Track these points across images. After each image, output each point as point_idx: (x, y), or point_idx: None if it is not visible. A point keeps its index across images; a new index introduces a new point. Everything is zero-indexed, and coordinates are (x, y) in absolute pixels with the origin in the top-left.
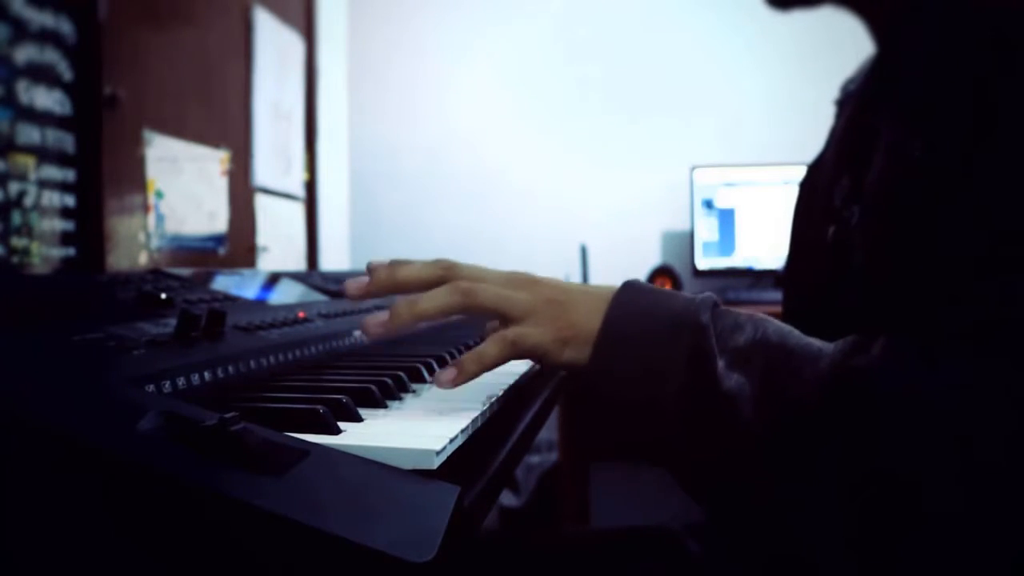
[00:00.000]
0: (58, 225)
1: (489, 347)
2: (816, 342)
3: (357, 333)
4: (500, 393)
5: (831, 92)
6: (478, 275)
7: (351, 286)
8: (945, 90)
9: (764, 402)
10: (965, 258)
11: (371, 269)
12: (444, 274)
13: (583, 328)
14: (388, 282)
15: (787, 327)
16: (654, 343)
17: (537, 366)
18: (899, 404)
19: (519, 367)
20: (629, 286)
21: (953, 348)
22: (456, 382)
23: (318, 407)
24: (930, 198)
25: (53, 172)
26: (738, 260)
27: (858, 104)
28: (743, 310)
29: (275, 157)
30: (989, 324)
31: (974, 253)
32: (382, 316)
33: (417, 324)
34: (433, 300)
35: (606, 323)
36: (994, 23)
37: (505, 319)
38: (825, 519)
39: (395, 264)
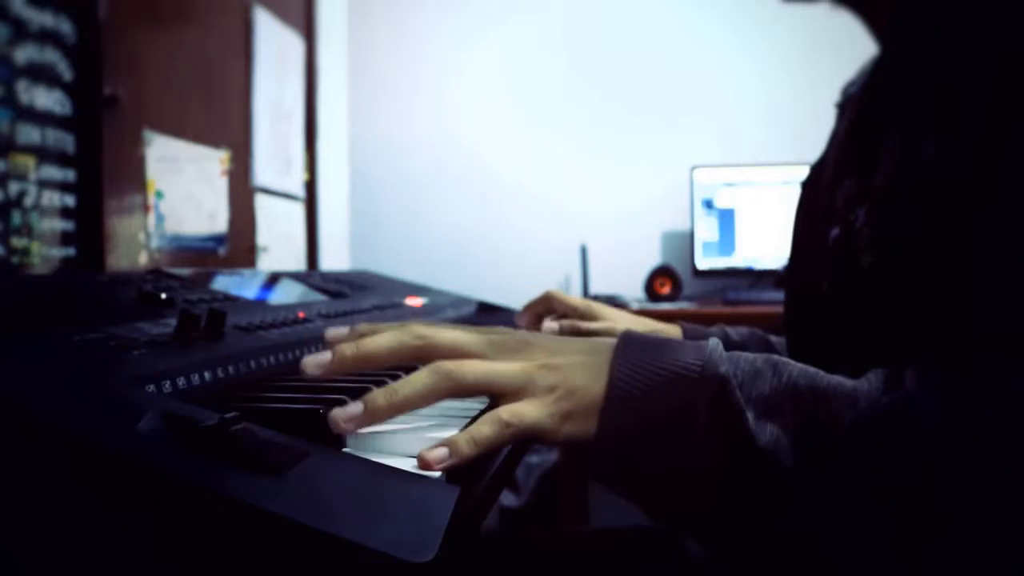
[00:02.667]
0: (58, 225)
1: (483, 428)
2: (847, 382)
3: None
4: None
5: (831, 92)
6: (458, 345)
7: (310, 365)
8: (957, 92)
9: (804, 453)
10: (984, 260)
11: (331, 341)
12: (418, 347)
13: (585, 396)
14: (354, 360)
15: (808, 368)
16: (668, 402)
17: None
18: (947, 429)
19: None
20: (630, 341)
21: (987, 356)
22: (445, 465)
23: (318, 407)
24: (943, 200)
25: (53, 172)
26: (738, 260)
27: (860, 106)
28: (743, 311)
29: (275, 157)
30: (1020, 329)
31: (993, 255)
32: (355, 410)
33: (398, 414)
34: (414, 388)
35: (611, 387)
36: (1005, 26)
37: (497, 396)
38: (881, 555)
39: (360, 336)
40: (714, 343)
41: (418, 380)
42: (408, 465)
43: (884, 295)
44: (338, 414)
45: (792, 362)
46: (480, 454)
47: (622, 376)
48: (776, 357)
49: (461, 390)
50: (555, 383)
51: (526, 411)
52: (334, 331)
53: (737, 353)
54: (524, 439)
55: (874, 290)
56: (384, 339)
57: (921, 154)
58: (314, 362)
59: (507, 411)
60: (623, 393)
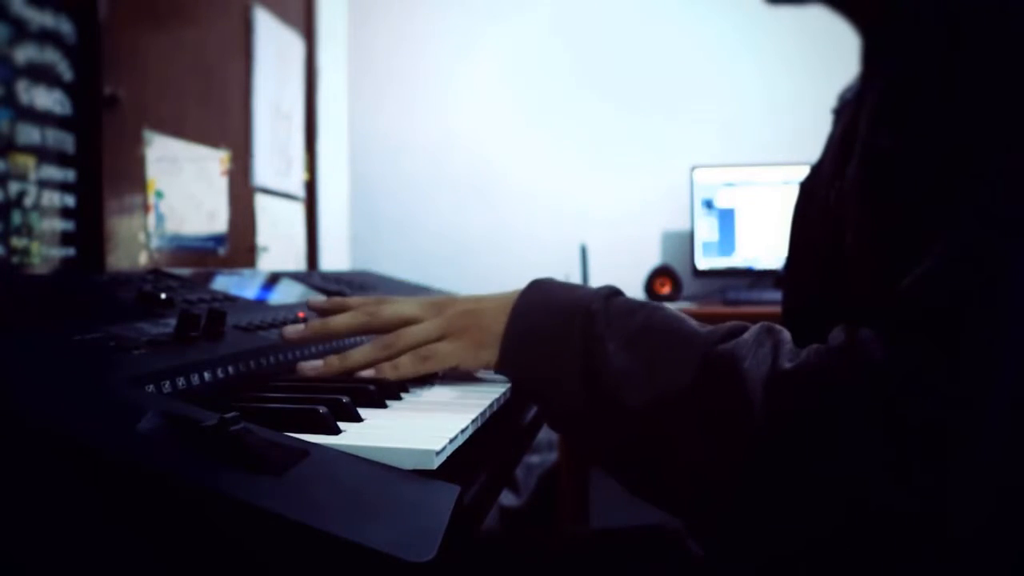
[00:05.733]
0: (58, 225)
1: (404, 360)
2: (701, 329)
3: None
4: (500, 393)
5: (831, 92)
6: (399, 315)
7: (289, 332)
8: (908, 84)
9: (647, 382)
10: (914, 245)
11: (310, 307)
12: (368, 321)
13: (492, 330)
14: (321, 332)
15: (682, 315)
16: (551, 333)
17: None
18: (761, 381)
19: None
20: (534, 284)
21: (838, 330)
22: (374, 376)
23: (318, 407)
24: (893, 187)
25: (53, 172)
26: (738, 260)
27: (853, 111)
28: (743, 311)
29: (275, 157)
30: (892, 309)
31: (919, 241)
32: (317, 364)
33: (346, 373)
34: (361, 355)
35: (510, 320)
36: (955, 19)
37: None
38: (703, 483)
39: (328, 311)
40: (605, 286)
41: (364, 350)
42: (407, 460)
43: (861, 284)
44: (303, 365)
45: (670, 309)
46: (400, 378)
47: (520, 312)
48: (659, 304)
49: (399, 352)
50: (469, 323)
51: (441, 347)
52: (314, 300)
53: (627, 298)
54: (441, 368)
55: (851, 278)
56: (344, 318)
57: (880, 142)
58: (293, 330)
59: (425, 349)
60: (518, 324)
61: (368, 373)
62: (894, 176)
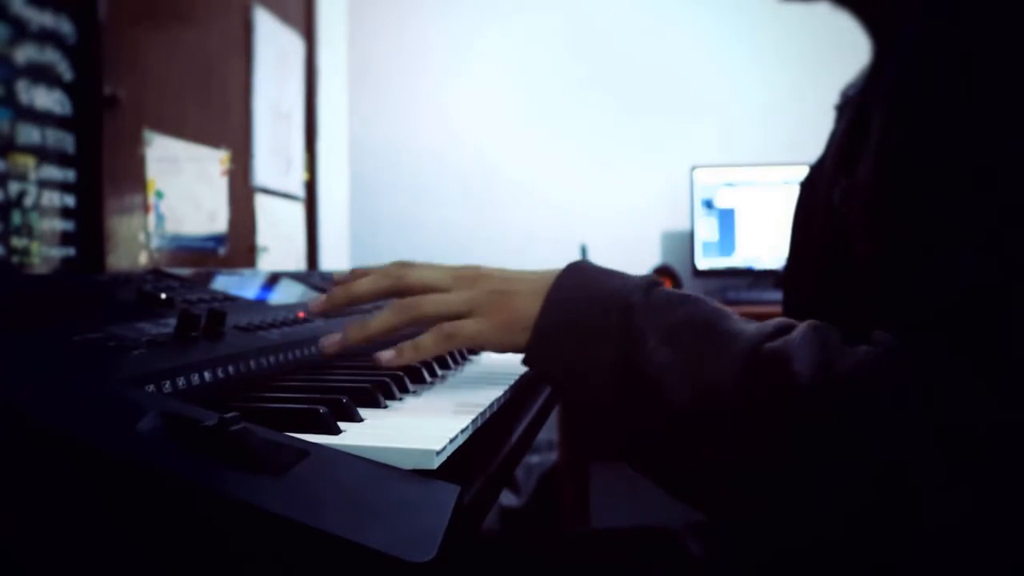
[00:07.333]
0: (58, 225)
1: (426, 339)
2: (746, 325)
3: None
4: (500, 393)
5: (831, 92)
6: (425, 281)
7: (312, 306)
8: (924, 82)
9: (688, 378)
10: (930, 245)
11: (335, 281)
12: (394, 284)
13: (524, 314)
14: (345, 298)
15: (724, 309)
16: (587, 325)
17: None
18: (808, 385)
19: (520, 368)
20: (571, 269)
21: (883, 333)
22: (392, 364)
23: (318, 407)
24: (912, 187)
25: (53, 172)
26: (738, 260)
27: (857, 108)
28: (743, 311)
29: (275, 157)
30: (922, 313)
31: (937, 240)
32: (337, 337)
33: (369, 341)
34: (380, 322)
35: (545, 307)
36: (970, 16)
37: (452, 319)
38: (742, 481)
39: (351, 281)
40: (644, 276)
41: (384, 316)
42: (407, 460)
43: (870, 282)
44: (324, 341)
45: (712, 302)
46: (422, 358)
47: (556, 298)
48: (700, 296)
49: (421, 320)
50: (501, 304)
51: (467, 325)
52: (338, 273)
53: (666, 289)
54: (464, 346)
55: (862, 278)
56: (367, 281)
57: (894, 140)
58: (315, 303)
59: (449, 325)
60: (553, 311)
61: (389, 355)
62: (913, 176)
